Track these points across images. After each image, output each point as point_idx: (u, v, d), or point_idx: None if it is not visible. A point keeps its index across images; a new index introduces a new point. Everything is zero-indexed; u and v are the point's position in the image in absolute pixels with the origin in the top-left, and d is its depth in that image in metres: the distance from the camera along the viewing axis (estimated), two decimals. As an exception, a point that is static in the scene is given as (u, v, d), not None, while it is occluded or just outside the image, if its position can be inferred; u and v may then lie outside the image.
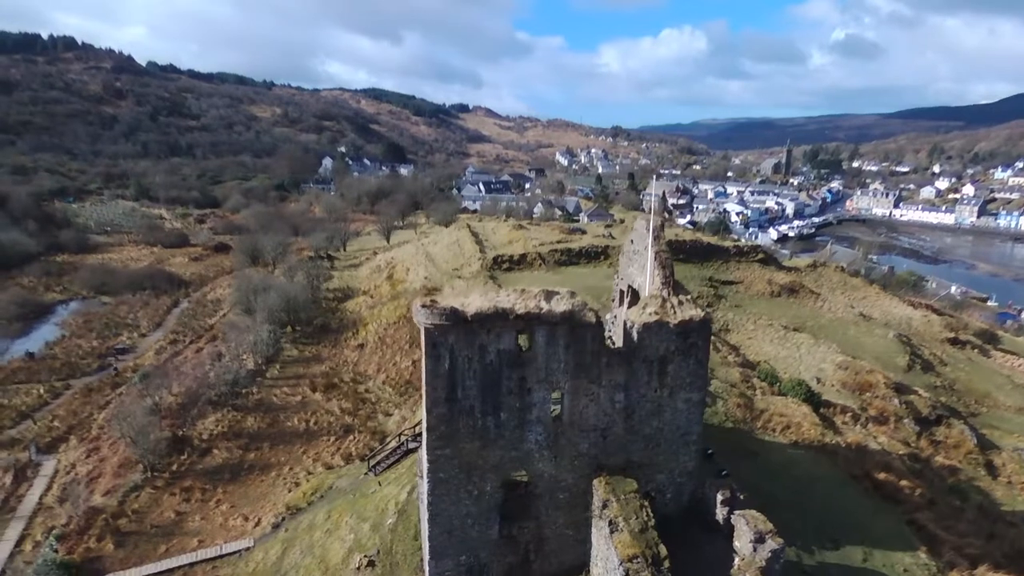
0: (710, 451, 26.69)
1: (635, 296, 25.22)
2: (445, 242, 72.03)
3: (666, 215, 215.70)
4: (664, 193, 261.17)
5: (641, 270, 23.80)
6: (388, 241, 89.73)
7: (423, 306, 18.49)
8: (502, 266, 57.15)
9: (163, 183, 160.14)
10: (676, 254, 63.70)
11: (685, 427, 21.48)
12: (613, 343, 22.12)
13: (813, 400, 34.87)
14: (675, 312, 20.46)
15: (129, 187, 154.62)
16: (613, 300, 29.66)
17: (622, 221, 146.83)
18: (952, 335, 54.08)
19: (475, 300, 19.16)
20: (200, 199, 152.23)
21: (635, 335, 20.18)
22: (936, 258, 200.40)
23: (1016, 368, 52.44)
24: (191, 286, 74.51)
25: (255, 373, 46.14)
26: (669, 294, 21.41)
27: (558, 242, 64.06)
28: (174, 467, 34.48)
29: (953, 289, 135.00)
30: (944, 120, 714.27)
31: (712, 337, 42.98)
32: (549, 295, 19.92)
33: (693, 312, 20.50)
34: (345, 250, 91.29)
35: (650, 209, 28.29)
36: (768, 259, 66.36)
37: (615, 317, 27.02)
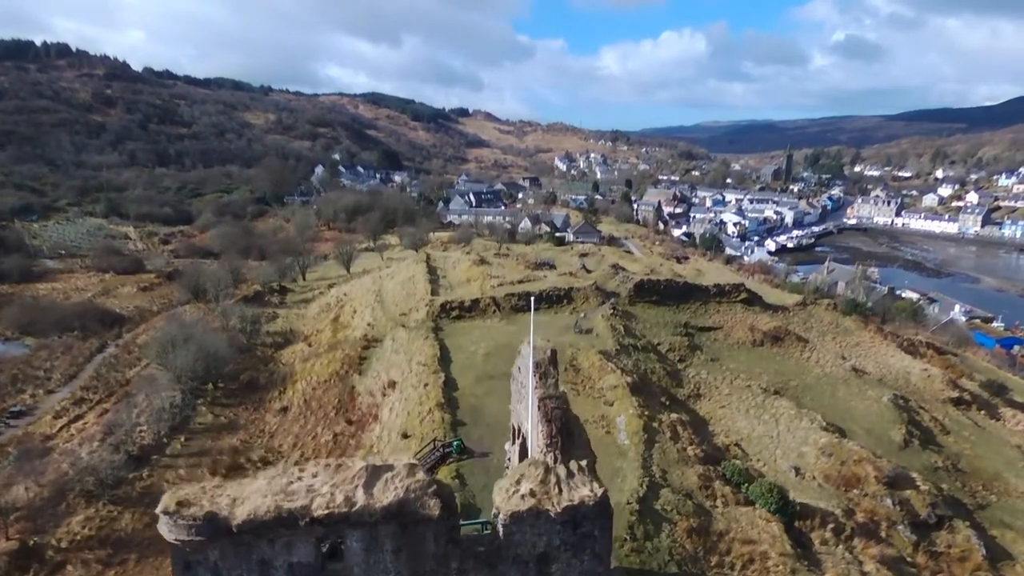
0: (640, 622, 20.59)
1: (524, 446, 18.99)
2: (401, 277, 66.03)
3: (660, 226, 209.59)
4: (660, 203, 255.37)
5: (528, 413, 17.57)
6: (348, 271, 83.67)
7: (166, 513, 12.51)
8: (451, 313, 51.08)
9: (136, 198, 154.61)
10: (650, 296, 57.82)
11: (581, 642, 15.43)
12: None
13: (787, 510, 28.69)
14: (560, 491, 14.40)
15: (99, 202, 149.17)
16: (512, 430, 23.50)
17: (610, 239, 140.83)
18: (955, 394, 47.80)
19: (254, 495, 13.16)
20: (172, 216, 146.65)
21: (501, 528, 14.15)
22: (939, 271, 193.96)
23: (1029, 432, 46.16)
24: (126, 325, 68.56)
25: (152, 449, 40.14)
26: (556, 460, 15.36)
27: (519, 281, 58.05)
28: (9, 594, 28.57)
29: (957, 309, 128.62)
30: (947, 122, 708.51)
31: (676, 414, 36.96)
32: (374, 475, 13.88)
33: (587, 491, 14.43)
34: (305, 279, 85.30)
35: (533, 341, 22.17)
36: (752, 298, 60.15)
37: (510, 456, 20.94)
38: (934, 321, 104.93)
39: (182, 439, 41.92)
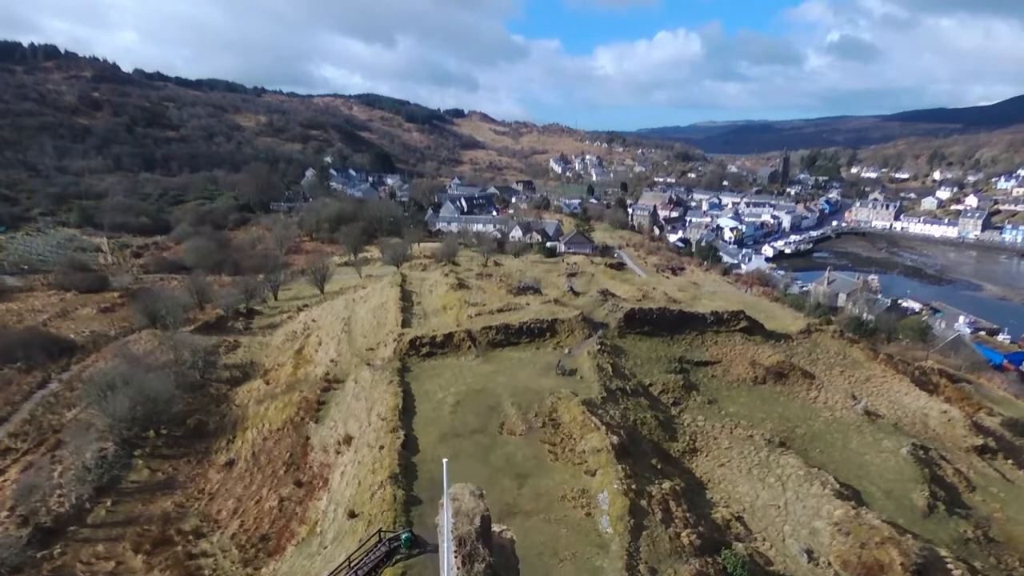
0: None
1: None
2: (373, 303, 61.02)
3: (655, 232, 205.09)
4: (656, 207, 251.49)
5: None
6: (322, 291, 78.53)
7: None
8: (421, 350, 46.06)
9: (113, 206, 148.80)
10: (641, 326, 52.88)
11: None
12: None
13: (800, 618, 23.87)
14: None
15: (73, 211, 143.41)
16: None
17: (603, 249, 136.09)
18: (980, 441, 43.09)
19: None
20: (150, 225, 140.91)
21: None
22: (940, 277, 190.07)
23: (1061, 484, 41.47)
24: (77, 354, 63.24)
25: (70, 518, 35.08)
26: None
27: (499, 310, 53.08)
28: None
29: (961, 320, 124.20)
30: (943, 123, 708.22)
31: (669, 481, 32.05)
32: None
33: None
34: (276, 299, 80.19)
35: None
36: (753, 326, 55.38)
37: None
38: (941, 337, 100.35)
39: (108, 503, 36.86)
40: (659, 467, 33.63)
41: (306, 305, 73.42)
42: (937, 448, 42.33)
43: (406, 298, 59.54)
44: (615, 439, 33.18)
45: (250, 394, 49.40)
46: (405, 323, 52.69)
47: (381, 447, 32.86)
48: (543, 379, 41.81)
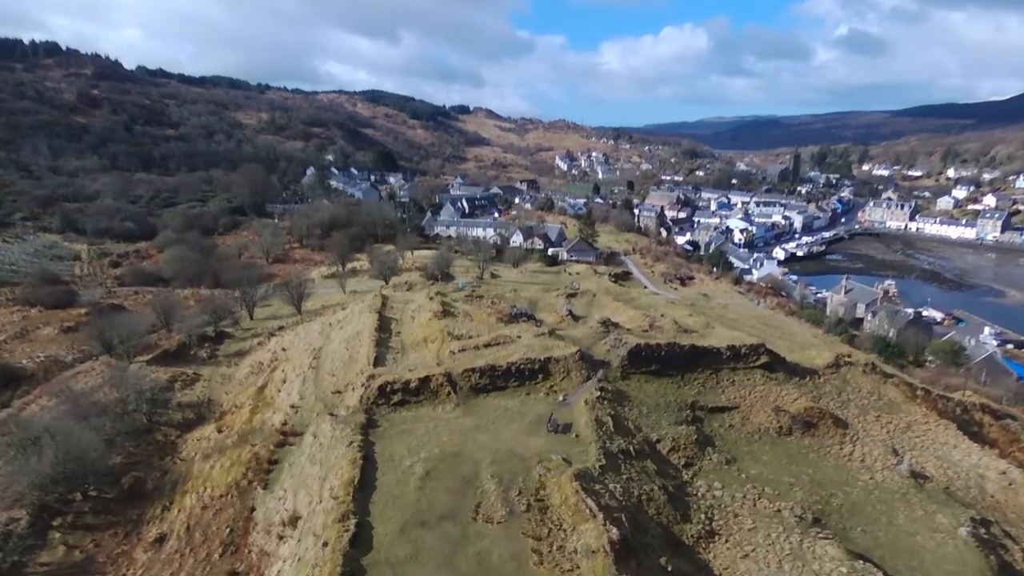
0: None
1: None
2: (348, 331, 54.70)
3: (662, 234, 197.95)
4: (663, 207, 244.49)
5: None
6: (299, 311, 72.18)
7: None
8: (391, 398, 39.70)
9: (97, 210, 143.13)
10: (648, 364, 46.23)
11: None
12: None
13: None
14: None
15: (56, 215, 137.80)
16: None
17: (608, 256, 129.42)
18: (1049, 512, 36.60)
19: None
20: (136, 231, 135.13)
21: None
22: (959, 282, 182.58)
23: None
24: (25, 384, 57.25)
25: (-44, 620, 29.09)
26: None
27: (486, 345, 46.67)
28: None
29: (987, 332, 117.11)
30: (955, 118, 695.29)
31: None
32: None
33: None
34: (252, 318, 73.99)
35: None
36: (775, 361, 48.81)
37: None
38: (970, 355, 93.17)
39: (8, 595, 30.84)
40: (669, 568, 27.18)
41: (281, 327, 67.22)
42: (999, 520, 35.73)
43: (384, 327, 53.15)
44: (615, 532, 26.72)
45: (199, 444, 43.17)
46: (379, 359, 46.35)
47: (325, 543, 26.56)
48: (531, 439, 35.42)
